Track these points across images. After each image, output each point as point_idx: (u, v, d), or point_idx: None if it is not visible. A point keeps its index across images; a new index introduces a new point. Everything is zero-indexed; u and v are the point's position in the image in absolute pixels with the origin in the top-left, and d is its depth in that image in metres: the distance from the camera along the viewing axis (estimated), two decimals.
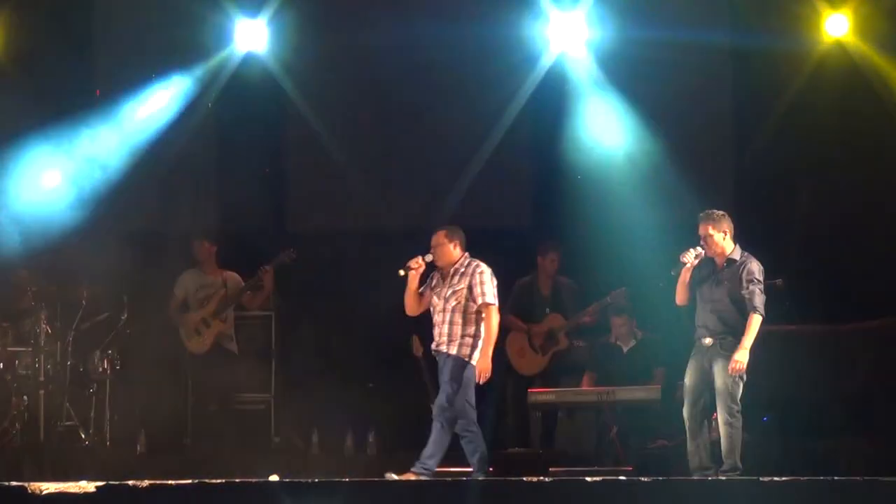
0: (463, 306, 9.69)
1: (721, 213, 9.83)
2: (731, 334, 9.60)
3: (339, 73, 13.31)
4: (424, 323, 12.50)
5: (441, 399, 9.65)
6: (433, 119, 13.42)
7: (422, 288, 9.86)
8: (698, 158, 13.26)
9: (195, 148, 12.95)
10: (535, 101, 13.31)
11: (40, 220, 12.00)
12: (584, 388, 11.41)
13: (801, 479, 9.11)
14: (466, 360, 9.63)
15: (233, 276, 12.15)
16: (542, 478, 8.89)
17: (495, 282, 9.78)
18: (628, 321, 11.53)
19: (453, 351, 9.64)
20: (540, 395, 11.37)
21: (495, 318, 9.69)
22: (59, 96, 12.70)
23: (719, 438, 9.69)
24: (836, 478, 9.24)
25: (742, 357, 9.51)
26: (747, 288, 9.62)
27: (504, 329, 12.14)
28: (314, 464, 11.14)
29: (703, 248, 9.70)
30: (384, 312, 13.06)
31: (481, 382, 9.61)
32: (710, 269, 9.80)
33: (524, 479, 8.83)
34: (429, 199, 13.31)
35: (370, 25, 13.25)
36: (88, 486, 8.13)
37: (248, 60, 13.08)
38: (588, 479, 8.53)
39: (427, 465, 9.59)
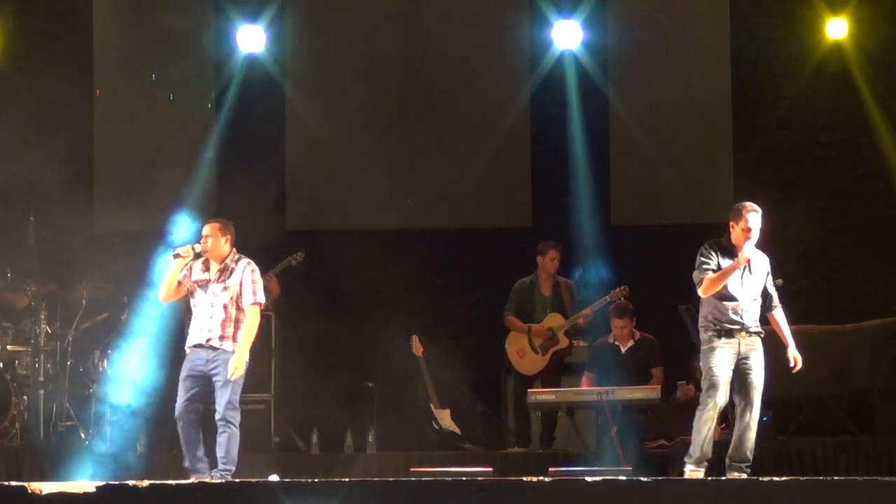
0: (236, 302, 9.69)
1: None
2: (760, 328, 9.48)
3: (338, 75, 13.32)
4: (425, 323, 12.54)
5: (233, 400, 9.66)
6: (433, 119, 13.42)
7: (180, 276, 9.78)
8: (698, 158, 13.27)
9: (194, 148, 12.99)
10: (536, 102, 13.32)
11: None
12: (583, 387, 11.41)
13: (801, 479, 9.10)
14: None
15: None
16: (541, 478, 8.87)
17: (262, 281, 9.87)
18: (629, 324, 11.51)
19: (229, 348, 9.64)
20: (540, 394, 11.37)
21: (258, 318, 9.72)
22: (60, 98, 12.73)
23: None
24: (836, 478, 9.25)
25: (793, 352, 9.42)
26: (769, 280, 9.45)
27: (505, 329, 12.20)
28: (314, 464, 11.13)
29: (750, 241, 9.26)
30: (384, 312, 13.09)
31: (232, 379, 9.61)
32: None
33: (524, 479, 8.83)
34: (429, 199, 13.31)
35: (370, 28, 13.27)
36: (88, 486, 8.12)
37: (248, 62, 13.10)
38: (588, 479, 8.51)
39: (229, 468, 9.58)
